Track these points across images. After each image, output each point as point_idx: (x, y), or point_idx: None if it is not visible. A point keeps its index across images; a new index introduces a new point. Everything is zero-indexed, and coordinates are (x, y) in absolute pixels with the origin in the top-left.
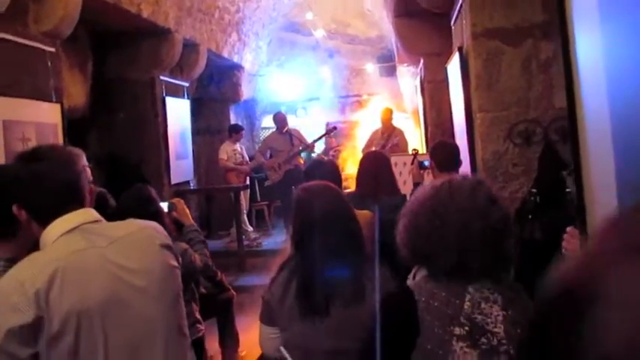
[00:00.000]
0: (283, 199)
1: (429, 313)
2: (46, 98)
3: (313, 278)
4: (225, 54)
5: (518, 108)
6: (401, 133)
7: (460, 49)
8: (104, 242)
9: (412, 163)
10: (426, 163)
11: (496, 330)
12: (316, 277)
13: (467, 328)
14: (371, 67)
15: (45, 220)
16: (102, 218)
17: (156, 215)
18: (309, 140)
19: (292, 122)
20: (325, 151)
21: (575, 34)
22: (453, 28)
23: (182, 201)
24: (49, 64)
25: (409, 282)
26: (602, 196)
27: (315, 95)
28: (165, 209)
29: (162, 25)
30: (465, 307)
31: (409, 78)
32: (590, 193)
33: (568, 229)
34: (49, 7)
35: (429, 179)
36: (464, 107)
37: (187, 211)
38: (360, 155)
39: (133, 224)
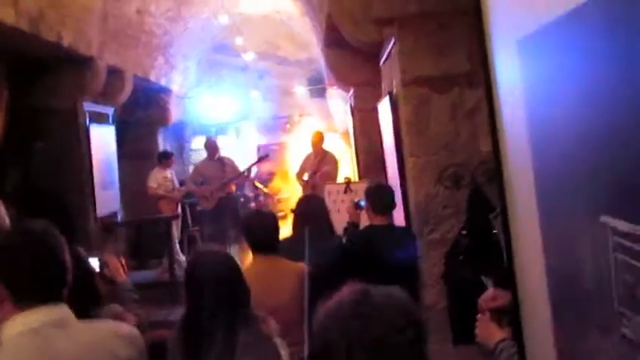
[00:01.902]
0: (216, 227)
1: None
2: None
3: (192, 333)
4: (152, 78)
5: (447, 152)
6: (332, 158)
7: (390, 94)
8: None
9: (345, 192)
10: (362, 204)
11: None
12: (194, 332)
13: None
14: (301, 89)
15: (20, 303)
16: (71, 315)
17: (85, 277)
18: (242, 167)
19: (222, 142)
20: (259, 177)
21: (498, 82)
22: (382, 66)
23: (115, 257)
24: None
25: None
26: (527, 237)
27: (246, 116)
28: (97, 266)
29: (84, 53)
30: None
31: (339, 100)
32: (516, 235)
33: (478, 316)
34: None
35: (364, 219)
36: (395, 150)
37: (120, 267)
38: (292, 179)
39: (102, 330)
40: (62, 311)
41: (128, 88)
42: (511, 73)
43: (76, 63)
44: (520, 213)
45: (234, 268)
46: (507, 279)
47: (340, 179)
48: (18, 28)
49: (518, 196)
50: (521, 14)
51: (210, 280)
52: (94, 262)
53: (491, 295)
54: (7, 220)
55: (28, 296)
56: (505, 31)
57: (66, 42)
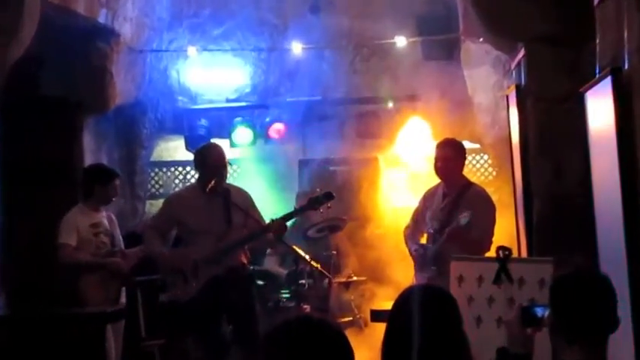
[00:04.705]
0: (202, 340)
1: None
2: None
3: None
4: (80, 8)
5: None
6: (481, 201)
7: (616, 72)
8: None
9: (497, 282)
10: (539, 312)
11: None
12: None
13: None
14: (403, 41)
15: None
16: None
17: None
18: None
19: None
20: (302, 233)
21: None
22: (596, 9)
23: None
24: None
25: None
26: None
27: (277, 97)
28: None
29: None
30: None
31: (488, 69)
32: None
33: None
34: None
35: (542, 343)
36: (621, 198)
37: None
38: (375, 235)
39: None
40: None
41: (28, 30)
42: None
43: None
44: None
45: None
46: None
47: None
48: None
49: None
50: None
51: None
52: None
53: None
54: None
55: None
56: None
57: None
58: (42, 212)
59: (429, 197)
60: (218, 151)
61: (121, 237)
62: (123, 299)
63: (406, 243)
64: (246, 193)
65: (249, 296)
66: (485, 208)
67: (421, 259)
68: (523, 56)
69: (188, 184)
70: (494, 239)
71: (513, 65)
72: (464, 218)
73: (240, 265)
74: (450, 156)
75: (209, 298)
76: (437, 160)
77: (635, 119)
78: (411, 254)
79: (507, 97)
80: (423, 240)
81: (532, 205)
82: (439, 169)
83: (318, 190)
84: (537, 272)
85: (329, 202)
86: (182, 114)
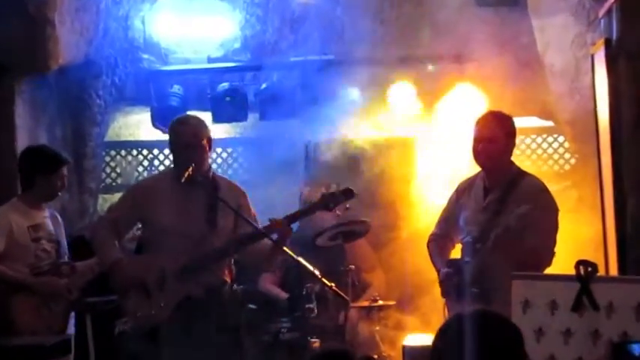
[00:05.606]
0: None
1: None
2: None
3: None
4: None
5: None
6: (537, 194)
7: None
8: None
9: (578, 308)
10: (636, 351)
11: None
12: None
13: None
14: None
15: None
16: None
17: None
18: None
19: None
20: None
21: None
22: None
23: None
24: None
25: None
26: None
27: (277, 55)
28: None
29: None
30: None
31: (566, 18)
32: None
33: None
34: None
35: None
36: None
37: None
38: (407, 242)
39: None
40: None
41: None
42: None
43: None
44: None
45: None
46: None
47: (559, 265)
48: None
49: None
50: None
51: None
52: None
53: None
54: None
55: None
56: None
57: None
58: None
59: (464, 192)
60: (193, 126)
61: (65, 242)
62: (71, 326)
63: (432, 260)
64: (241, 190)
65: (235, 326)
66: (544, 207)
67: (456, 283)
68: (615, 1)
69: (156, 172)
70: (565, 250)
71: (602, 13)
72: (517, 217)
73: (222, 283)
74: (494, 136)
75: (178, 328)
76: (476, 141)
77: None
78: (439, 278)
79: (592, 56)
80: (457, 253)
81: (625, 204)
82: (479, 154)
83: (334, 185)
84: (632, 296)
85: (348, 201)
86: (148, 78)
